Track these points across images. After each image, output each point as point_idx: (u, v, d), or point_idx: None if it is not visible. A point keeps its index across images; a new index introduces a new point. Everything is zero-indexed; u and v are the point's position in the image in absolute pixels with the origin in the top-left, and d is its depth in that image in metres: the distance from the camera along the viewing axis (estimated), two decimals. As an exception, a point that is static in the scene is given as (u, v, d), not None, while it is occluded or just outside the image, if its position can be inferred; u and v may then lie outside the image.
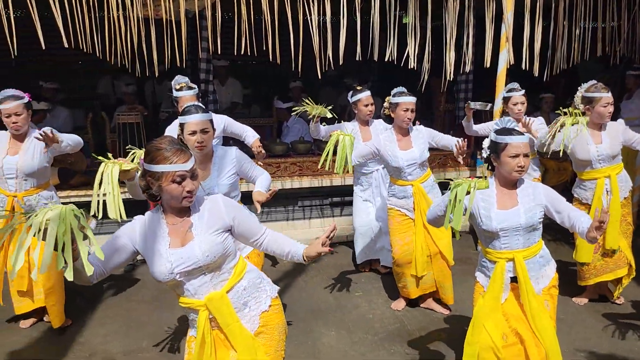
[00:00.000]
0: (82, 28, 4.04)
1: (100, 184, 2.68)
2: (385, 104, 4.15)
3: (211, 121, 3.07)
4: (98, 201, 2.60)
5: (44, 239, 1.80)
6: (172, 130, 4.17)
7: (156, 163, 2.05)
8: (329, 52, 4.50)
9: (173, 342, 3.86)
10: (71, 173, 5.56)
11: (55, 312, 3.97)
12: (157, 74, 4.40)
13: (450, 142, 4.05)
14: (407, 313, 4.27)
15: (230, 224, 2.21)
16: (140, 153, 3.83)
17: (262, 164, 3.89)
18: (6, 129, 3.86)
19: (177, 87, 4.11)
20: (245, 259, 2.46)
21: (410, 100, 3.99)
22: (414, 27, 4.80)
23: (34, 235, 1.80)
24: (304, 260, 2.26)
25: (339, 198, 6.25)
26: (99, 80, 8.40)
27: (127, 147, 3.24)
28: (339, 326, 4.08)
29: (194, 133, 2.99)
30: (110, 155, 2.84)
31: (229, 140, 4.94)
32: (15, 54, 3.87)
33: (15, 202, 3.80)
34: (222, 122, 4.10)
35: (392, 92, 4.10)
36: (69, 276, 1.84)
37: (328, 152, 3.94)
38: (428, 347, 3.76)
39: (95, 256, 2.03)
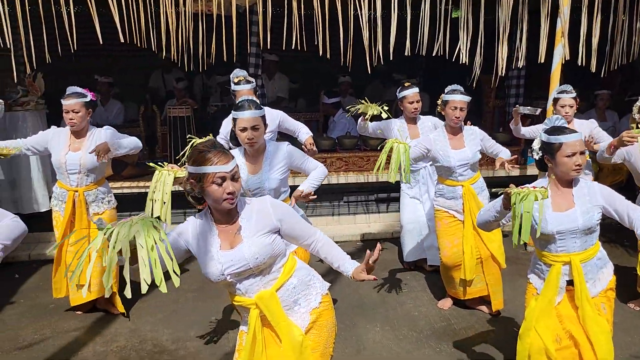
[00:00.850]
0: (137, 24, 4.14)
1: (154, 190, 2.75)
2: (439, 101, 4.07)
3: (263, 117, 3.09)
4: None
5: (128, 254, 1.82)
6: (228, 122, 4.22)
7: (197, 165, 2.08)
8: (379, 46, 4.47)
9: (218, 333, 3.92)
10: (123, 165, 5.73)
11: (115, 299, 4.15)
12: (206, 69, 4.44)
13: (501, 153, 3.95)
14: (454, 312, 4.22)
15: (278, 226, 2.22)
16: (199, 141, 3.91)
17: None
18: (62, 126, 4.02)
19: (235, 80, 4.15)
20: (293, 254, 2.47)
21: (460, 98, 3.88)
22: (466, 21, 4.71)
23: (120, 255, 1.80)
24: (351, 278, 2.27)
25: (385, 194, 6.22)
26: (150, 74, 8.61)
27: (187, 136, 3.31)
28: (384, 322, 4.07)
29: (244, 129, 3.02)
30: (164, 164, 2.92)
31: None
32: (75, 48, 3.99)
33: (76, 197, 3.94)
34: (278, 117, 4.12)
35: (446, 89, 4.01)
36: (163, 289, 1.85)
37: (382, 160, 3.82)
38: (475, 348, 3.70)
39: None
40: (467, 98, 3.92)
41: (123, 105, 7.02)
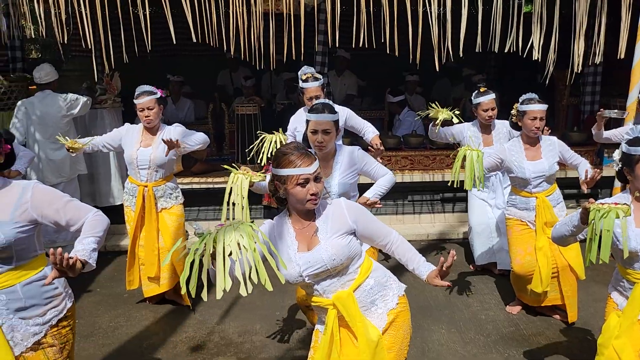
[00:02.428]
0: (209, 24, 4.24)
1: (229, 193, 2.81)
2: (513, 112, 3.92)
3: (336, 122, 3.08)
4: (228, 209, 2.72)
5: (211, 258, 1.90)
6: (296, 119, 4.26)
7: (282, 167, 2.13)
8: (448, 43, 4.38)
9: (284, 329, 3.98)
10: (193, 161, 5.90)
11: (184, 292, 4.25)
12: (275, 67, 4.50)
13: (581, 166, 3.72)
14: (523, 317, 4.08)
15: (354, 227, 2.23)
16: (270, 137, 3.97)
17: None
18: (135, 123, 4.18)
19: (303, 77, 4.17)
20: (368, 255, 2.47)
21: (539, 108, 3.70)
22: (540, 16, 4.54)
23: (222, 259, 1.86)
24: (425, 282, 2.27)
25: (451, 194, 6.10)
26: (217, 73, 8.83)
27: (257, 132, 3.37)
28: (450, 324, 3.99)
29: (315, 132, 3.03)
30: (239, 165, 2.98)
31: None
32: (150, 48, 4.15)
33: (145, 192, 4.09)
34: (344, 114, 4.10)
35: (521, 99, 3.83)
36: (269, 287, 1.90)
37: (456, 168, 3.75)
38: (546, 357, 3.57)
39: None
40: (545, 106, 3.75)
41: (193, 104, 7.23)
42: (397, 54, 4.37)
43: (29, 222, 2.11)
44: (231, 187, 2.85)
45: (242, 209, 2.76)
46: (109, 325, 4.07)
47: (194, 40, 4.18)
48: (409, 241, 2.39)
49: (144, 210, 4.12)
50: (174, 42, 4.13)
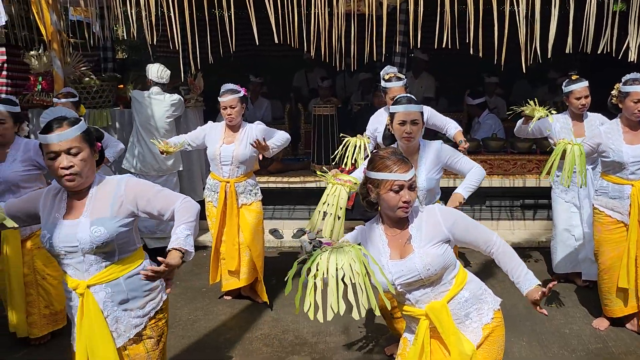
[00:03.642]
0: (291, 25, 4.28)
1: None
2: (614, 92, 3.69)
3: (422, 114, 3.06)
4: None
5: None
6: (376, 120, 4.24)
7: (377, 171, 2.10)
8: (536, 44, 4.20)
9: (358, 332, 3.95)
10: (269, 160, 5.98)
11: (260, 289, 4.38)
12: (355, 68, 4.49)
13: None
14: (611, 333, 3.85)
15: (449, 236, 2.16)
16: (354, 140, 3.95)
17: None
18: (217, 121, 4.29)
19: (386, 77, 4.15)
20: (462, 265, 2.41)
21: None
22: (638, 14, 4.26)
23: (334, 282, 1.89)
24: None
25: (532, 200, 5.87)
26: (293, 73, 8.94)
27: (341, 135, 3.36)
28: (531, 337, 3.83)
29: (403, 123, 2.99)
30: (332, 171, 2.97)
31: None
32: (234, 49, 4.24)
33: (227, 188, 4.18)
34: (426, 112, 4.04)
35: (624, 78, 3.62)
36: (377, 312, 1.95)
37: (553, 161, 3.56)
38: (638, 376, 3.36)
39: None
40: None
41: (270, 104, 7.35)
42: (481, 54, 4.24)
43: (128, 216, 2.19)
44: (327, 197, 2.82)
45: (338, 219, 2.73)
46: (188, 318, 4.20)
47: (276, 41, 4.23)
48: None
49: (225, 206, 4.21)
50: (257, 43, 4.20)
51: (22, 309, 3.62)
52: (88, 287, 2.14)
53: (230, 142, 4.14)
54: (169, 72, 5.21)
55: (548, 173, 3.62)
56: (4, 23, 5.99)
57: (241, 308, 4.37)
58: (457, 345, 2.12)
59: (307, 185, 5.90)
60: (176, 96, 5.29)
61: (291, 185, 5.88)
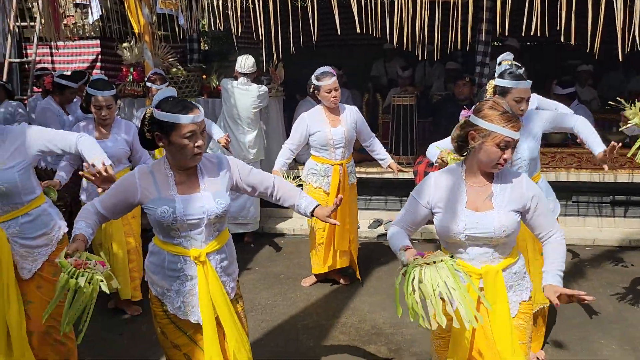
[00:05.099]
0: (373, 14, 4.25)
1: None
2: None
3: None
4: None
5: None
6: None
7: (489, 121, 2.07)
8: (635, 30, 3.93)
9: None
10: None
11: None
12: (438, 57, 4.39)
13: None
14: None
15: (527, 208, 2.16)
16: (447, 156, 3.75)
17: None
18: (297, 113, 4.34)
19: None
20: None
21: None
22: None
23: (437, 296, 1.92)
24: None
25: (624, 197, 5.54)
26: (371, 63, 8.88)
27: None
28: (622, 341, 3.62)
29: (520, 100, 3.01)
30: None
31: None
32: (316, 39, 4.26)
33: (341, 169, 4.28)
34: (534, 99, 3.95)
35: None
36: (474, 324, 1.96)
37: None
38: None
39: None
40: None
41: (351, 94, 7.35)
42: (573, 42, 4.03)
43: (232, 189, 2.39)
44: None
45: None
46: (267, 302, 4.30)
47: (358, 31, 4.21)
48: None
49: (338, 189, 4.30)
50: (339, 33, 4.20)
51: (125, 272, 3.96)
52: (207, 255, 2.29)
53: (337, 125, 4.23)
54: (251, 61, 5.30)
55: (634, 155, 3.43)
56: (98, 17, 6.36)
57: (318, 295, 4.42)
58: (500, 314, 2.14)
59: (384, 176, 5.86)
60: (263, 87, 5.37)
61: (368, 176, 5.86)
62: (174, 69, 5.56)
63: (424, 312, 1.94)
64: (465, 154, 2.22)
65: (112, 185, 2.33)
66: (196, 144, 2.17)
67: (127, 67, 5.60)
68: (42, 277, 2.76)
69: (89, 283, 1.95)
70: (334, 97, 4.15)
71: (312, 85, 4.25)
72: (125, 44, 5.57)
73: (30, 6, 6.80)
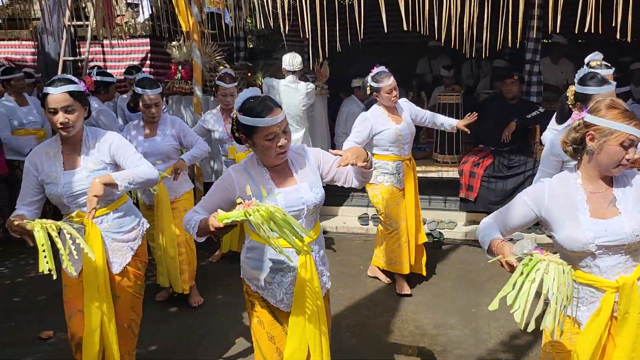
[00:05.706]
0: (421, 11, 4.20)
1: None
2: None
3: None
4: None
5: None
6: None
7: (610, 119, 1.96)
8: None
9: (481, 327, 3.84)
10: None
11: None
12: (487, 55, 4.31)
13: None
14: None
15: None
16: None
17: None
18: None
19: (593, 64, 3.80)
20: None
21: None
22: None
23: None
24: None
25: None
26: (416, 60, 8.79)
27: None
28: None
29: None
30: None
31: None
32: (362, 37, 4.25)
33: (409, 165, 4.35)
34: None
35: None
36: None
37: None
38: None
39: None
40: None
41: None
42: (629, 39, 3.89)
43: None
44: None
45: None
46: (340, 297, 4.28)
47: (405, 29, 4.17)
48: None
49: (406, 184, 4.36)
50: (386, 31, 4.18)
51: (176, 266, 4.05)
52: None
53: (400, 121, 4.26)
54: (299, 58, 5.33)
55: None
56: (148, 16, 6.51)
57: (361, 294, 4.42)
58: (629, 325, 1.98)
59: (429, 175, 5.80)
60: (310, 85, 5.40)
61: (426, 175, 5.81)
62: (221, 67, 5.65)
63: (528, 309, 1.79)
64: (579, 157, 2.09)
65: (210, 189, 2.37)
66: (279, 144, 2.20)
67: (176, 65, 5.72)
68: (129, 271, 2.81)
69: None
70: (394, 97, 4.18)
71: (369, 87, 4.25)
72: (174, 43, 5.70)
73: (84, 5, 7.03)
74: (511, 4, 4.05)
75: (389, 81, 4.16)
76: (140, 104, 3.89)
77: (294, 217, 2.18)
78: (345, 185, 2.46)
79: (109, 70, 6.35)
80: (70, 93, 2.52)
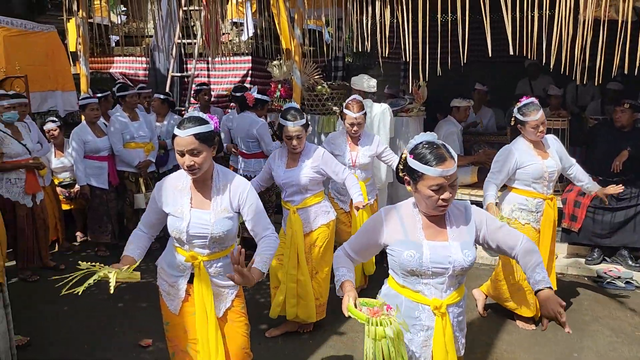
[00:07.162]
0: (529, 33, 4.04)
1: None
2: None
3: None
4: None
5: None
6: None
7: None
8: None
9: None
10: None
11: None
12: (600, 80, 4.04)
13: None
14: None
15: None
16: None
17: None
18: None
19: None
20: None
21: None
22: None
23: None
24: None
25: None
26: (517, 81, 8.46)
27: None
28: None
29: None
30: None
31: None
32: (465, 61, 4.15)
33: (551, 204, 4.03)
34: None
35: None
36: None
37: None
38: None
39: None
40: None
41: (493, 112, 7.09)
42: None
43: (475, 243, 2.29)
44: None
45: None
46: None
47: (511, 53, 4.03)
48: None
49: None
50: (490, 55, 4.05)
51: (311, 297, 3.94)
52: (447, 307, 2.20)
53: (546, 157, 3.99)
54: (374, 81, 5.30)
55: None
56: (251, 35, 6.74)
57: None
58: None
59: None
60: (384, 105, 5.32)
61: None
62: (319, 87, 5.72)
63: None
64: None
65: (362, 226, 2.36)
66: (442, 197, 2.10)
67: (276, 84, 5.85)
68: (233, 311, 2.74)
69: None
70: (540, 132, 3.83)
71: (514, 119, 3.94)
72: (275, 62, 5.84)
73: (192, 24, 7.43)
74: (629, 26, 3.81)
75: (537, 115, 3.79)
76: (283, 134, 3.80)
77: (437, 274, 2.15)
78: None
79: (212, 86, 6.64)
80: (197, 136, 2.44)
